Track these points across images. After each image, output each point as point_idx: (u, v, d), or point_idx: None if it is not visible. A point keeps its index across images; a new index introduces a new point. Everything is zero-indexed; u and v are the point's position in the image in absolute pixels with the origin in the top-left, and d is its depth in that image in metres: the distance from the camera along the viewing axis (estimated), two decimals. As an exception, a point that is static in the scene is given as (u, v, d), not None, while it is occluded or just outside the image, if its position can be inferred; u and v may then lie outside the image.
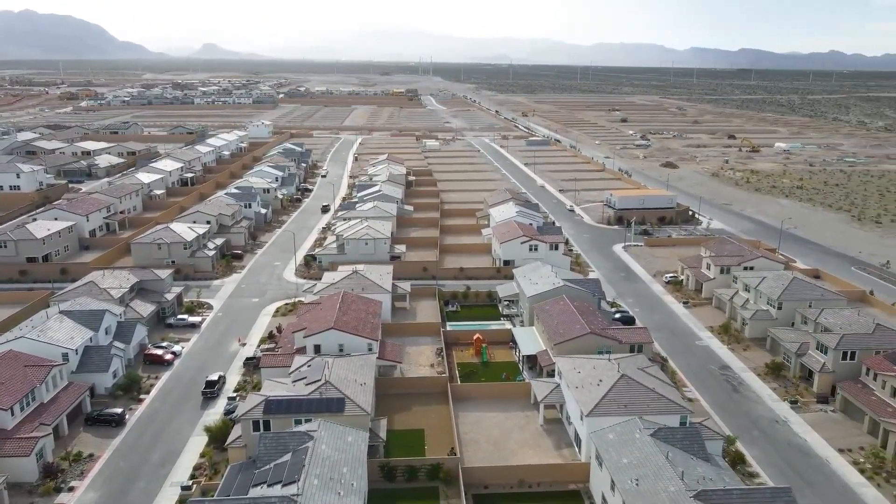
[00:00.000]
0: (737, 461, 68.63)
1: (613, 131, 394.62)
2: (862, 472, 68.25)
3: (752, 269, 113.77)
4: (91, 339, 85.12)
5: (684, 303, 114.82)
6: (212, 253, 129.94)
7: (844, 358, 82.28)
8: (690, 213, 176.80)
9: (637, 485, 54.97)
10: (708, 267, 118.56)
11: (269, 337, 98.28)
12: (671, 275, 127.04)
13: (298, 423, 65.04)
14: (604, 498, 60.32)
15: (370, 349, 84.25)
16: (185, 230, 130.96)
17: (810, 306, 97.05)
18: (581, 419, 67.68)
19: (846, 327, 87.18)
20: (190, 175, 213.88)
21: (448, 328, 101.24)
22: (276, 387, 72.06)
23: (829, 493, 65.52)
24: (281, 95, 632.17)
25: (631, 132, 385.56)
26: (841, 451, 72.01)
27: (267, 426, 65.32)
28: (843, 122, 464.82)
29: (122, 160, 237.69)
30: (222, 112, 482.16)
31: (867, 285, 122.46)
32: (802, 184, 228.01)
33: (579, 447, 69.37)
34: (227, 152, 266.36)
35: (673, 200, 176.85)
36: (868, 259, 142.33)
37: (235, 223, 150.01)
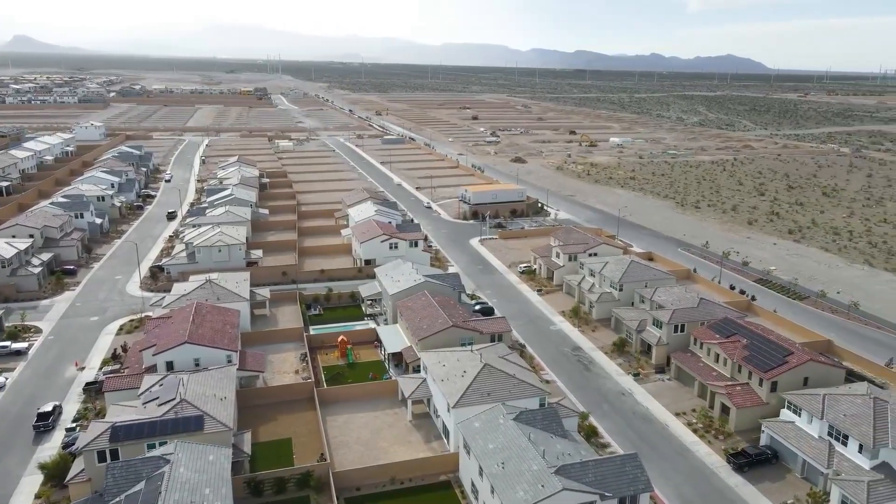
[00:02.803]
0: (591, 434, 74.11)
1: (465, 129, 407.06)
2: (695, 431, 76.60)
3: (595, 255, 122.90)
4: None
5: (538, 290, 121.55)
6: (37, 270, 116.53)
7: (676, 331, 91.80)
8: (540, 205, 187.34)
9: (503, 467, 57.50)
10: (557, 255, 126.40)
11: (114, 357, 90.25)
12: (525, 265, 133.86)
13: (152, 447, 60.37)
14: (473, 484, 62.44)
15: (229, 361, 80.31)
16: (2, 246, 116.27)
17: (646, 286, 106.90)
18: (448, 411, 69.43)
19: (676, 303, 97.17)
20: (5, 184, 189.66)
21: (311, 332, 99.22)
22: (123, 411, 66.38)
23: (668, 453, 72.86)
24: (112, 94, 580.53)
25: (481, 129, 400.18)
26: (677, 414, 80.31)
27: (115, 455, 59.88)
28: (664, 118, 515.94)
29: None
30: (42, 112, 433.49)
31: (691, 264, 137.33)
32: (634, 175, 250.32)
33: (448, 438, 71.15)
34: (50, 157, 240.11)
35: (523, 194, 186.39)
36: (691, 241, 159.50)
37: (65, 235, 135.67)
